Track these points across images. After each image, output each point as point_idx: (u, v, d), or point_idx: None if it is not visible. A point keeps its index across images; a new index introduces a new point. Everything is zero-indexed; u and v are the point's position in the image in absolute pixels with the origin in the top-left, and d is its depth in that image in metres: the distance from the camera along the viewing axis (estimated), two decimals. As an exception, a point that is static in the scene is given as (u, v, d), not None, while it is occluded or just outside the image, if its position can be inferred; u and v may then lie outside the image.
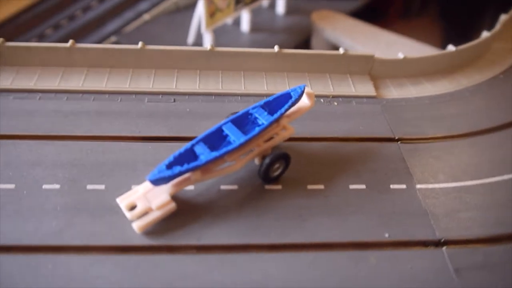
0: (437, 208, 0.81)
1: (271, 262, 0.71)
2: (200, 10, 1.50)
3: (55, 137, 0.90)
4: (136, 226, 0.73)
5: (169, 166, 0.76)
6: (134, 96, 1.01)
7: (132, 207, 0.76)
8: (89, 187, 0.81)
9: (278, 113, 0.83)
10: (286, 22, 1.79)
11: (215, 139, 0.81)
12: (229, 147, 0.78)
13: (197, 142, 0.80)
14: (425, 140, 0.96)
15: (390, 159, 0.91)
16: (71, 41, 1.03)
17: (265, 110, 0.85)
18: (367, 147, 0.93)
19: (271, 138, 0.83)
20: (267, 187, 0.83)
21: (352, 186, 0.85)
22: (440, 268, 0.72)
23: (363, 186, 0.85)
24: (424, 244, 0.76)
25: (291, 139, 0.92)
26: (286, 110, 0.83)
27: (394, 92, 1.09)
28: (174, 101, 1.00)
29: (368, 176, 0.87)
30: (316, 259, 0.72)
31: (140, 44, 1.03)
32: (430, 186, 0.86)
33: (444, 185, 0.86)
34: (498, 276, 0.72)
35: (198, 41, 1.62)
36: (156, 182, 0.75)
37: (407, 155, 0.92)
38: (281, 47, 1.06)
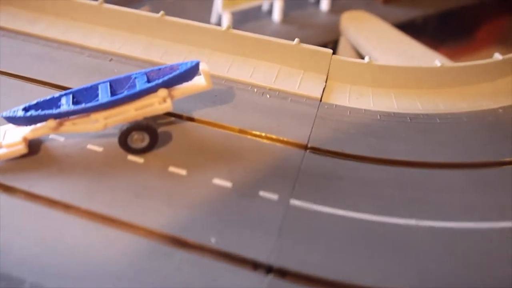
0: (294, 233, 0.68)
1: (75, 226, 0.68)
2: (219, -11, 1.47)
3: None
4: (-20, 156, 0.75)
5: (27, 109, 0.76)
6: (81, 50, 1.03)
7: (-12, 140, 0.78)
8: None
9: (154, 82, 0.77)
10: (324, 19, 1.67)
11: (86, 95, 0.79)
12: (90, 104, 0.76)
13: (66, 94, 0.79)
14: (338, 156, 0.81)
15: (283, 166, 0.79)
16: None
17: (147, 78, 0.80)
18: (267, 147, 0.82)
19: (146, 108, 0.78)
20: (130, 157, 0.79)
21: (216, 181, 0.75)
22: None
23: (228, 184, 0.75)
24: (254, 265, 0.64)
25: (187, 119, 0.86)
26: (166, 81, 0.77)
27: (347, 100, 0.94)
28: (111, 60, 1.00)
29: (242, 176, 0.76)
30: (120, 239, 0.66)
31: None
32: (308, 206, 0.72)
33: (325, 210, 0.72)
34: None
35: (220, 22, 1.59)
36: (11, 120, 0.76)
37: (307, 167, 0.79)
38: (306, 43, 0.98)
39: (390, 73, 0.95)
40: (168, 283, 0.61)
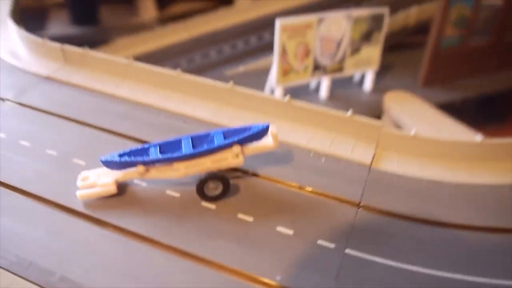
0: (349, 277, 0.76)
1: (158, 256, 0.78)
2: (275, 66, 1.65)
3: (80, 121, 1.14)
4: (78, 193, 0.88)
5: (121, 155, 0.89)
6: (160, 112, 1.19)
7: (86, 179, 0.91)
8: (75, 160, 1.00)
9: (231, 139, 0.90)
10: (366, 98, 1.82)
11: (171, 147, 0.92)
12: (174, 155, 0.88)
13: (154, 145, 0.92)
14: (388, 215, 0.89)
15: (339, 219, 0.88)
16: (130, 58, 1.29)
17: (224, 136, 0.93)
18: (324, 202, 0.92)
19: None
20: (204, 204, 0.90)
21: (279, 228, 0.85)
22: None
23: (290, 232, 0.84)
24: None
25: (253, 175, 0.97)
26: (240, 140, 0.90)
27: (395, 167, 1.03)
28: (185, 122, 1.15)
29: (302, 226, 0.85)
30: (197, 270, 0.76)
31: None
32: (361, 255, 0.80)
33: (377, 260, 0.79)
34: None
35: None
36: (107, 164, 0.89)
37: (359, 222, 0.87)
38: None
39: (435, 145, 1.05)
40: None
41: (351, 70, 1.85)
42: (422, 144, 1.06)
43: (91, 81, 1.30)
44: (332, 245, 0.82)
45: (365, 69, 1.88)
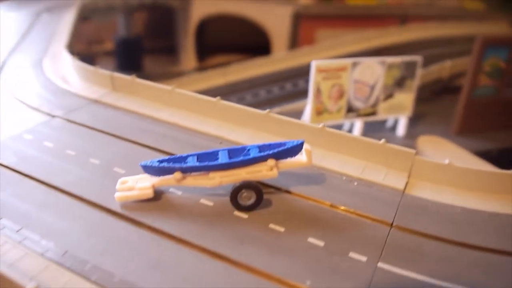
0: (382, 288, 0.74)
1: (189, 255, 0.79)
2: (309, 105, 1.70)
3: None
4: (116, 195, 0.91)
5: (161, 161, 0.93)
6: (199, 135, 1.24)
7: (124, 183, 0.95)
8: (115, 169, 1.04)
9: (266, 152, 0.93)
10: (399, 143, 1.82)
11: (208, 157, 0.96)
12: (210, 163, 0.92)
13: (192, 154, 0.96)
14: (422, 236, 0.88)
15: (371, 235, 0.87)
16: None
17: (259, 150, 0.96)
18: (356, 220, 0.91)
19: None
20: (236, 213, 0.91)
21: (311, 239, 0.85)
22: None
23: (321, 243, 0.84)
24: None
25: (285, 192, 0.99)
26: (275, 153, 0.93)
27: (428, 195, 1.03)
28: (221, 143, 1.19)
29: (333, 238, 0.85)
30: (228, 271, 0.76)
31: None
32: (394, 269, 0.79)
33: (411, 275, 0.78)
34: None
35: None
36: (146, 169, 0.93)
37: (392, 240, 0.86)
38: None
39: (471, 176, 1.04)
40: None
41: (384, 114, 1.88)
42: (456, 174, 1.05)
43: (136, 105, 1.38)
44: (364, 258, 0.81)
45: (398, 115, 1.90)
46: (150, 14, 4.17)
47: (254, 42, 3.84)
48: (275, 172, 0.93)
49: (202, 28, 4.03)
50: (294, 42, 3.75)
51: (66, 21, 2.50)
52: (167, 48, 4.05)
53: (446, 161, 1.06)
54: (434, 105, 2.25)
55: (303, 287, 0.74)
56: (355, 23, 3.68)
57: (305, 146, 0.96)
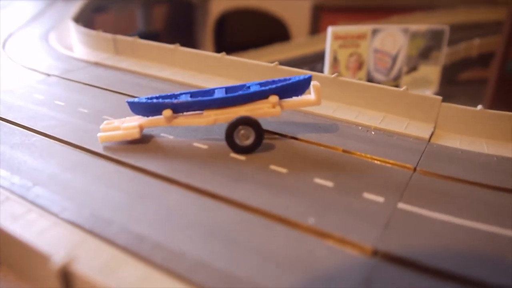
0: (400, 228, 0.61)
1: (173, 193, 0.67)
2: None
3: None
4: (99, 135, 0.81)
5: (150, 98, 0.83)
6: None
7: (110, 124, 0.85)
8: (105, 116, 0.95)
9: (268, 86, 0.81)
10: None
11: (203, 95, 0.85)
12: (205, 98, 0.81)
13: (185, 92, 0.85)
14: (449, 179, 0.74)
15: (390, 178, 0.74)
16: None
17: (260, 86, 0.84)
18: (373, 165, 0.78)
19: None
20: (233, 155, 0.79)
21: (317, 180, 0.72)
22: (352, 272, 0.54)
23: (329, 184, 0.71)
24: (356, 246, 0.58)
25: (291, 138, 0.87)
26: (278, 88, 0.81)
27: (458, 143, 0.89)
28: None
29: (345, 179, 0.72)
30: (216, 208, 0.64)
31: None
32: (416, 210, 0.65)
33: (432, 215, 0.64)
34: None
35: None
36: (133, 107, 0.83)
37: (415, 182, 0.73)
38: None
39: (507, 122, 0.90)
40: (262, 248, 0.56)
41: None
42: (491, 121, 0.91)
43: (138, 66, 1.29)
44: (381, 199, 0.68)
45: (423, 89, 1.76)
46: (169, 9, 4.13)
47: (273, 36, 3.75)
48: (278, 109, 0.81)
49: (221, 24, 3.97)
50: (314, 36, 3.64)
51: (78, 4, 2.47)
52: (186, 45, 4.00)
53: (479, 107, 0.92)
54: (462, 86, 2.09)
55: (305, 224, 0.61)
56: (377, 16, 3.54)
57: (313, 82, 0.84)
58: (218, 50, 3.96)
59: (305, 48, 2.55)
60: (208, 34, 3.89)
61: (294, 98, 0.84)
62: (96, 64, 1.33)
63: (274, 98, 0.81)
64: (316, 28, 3.64)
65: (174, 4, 3.93)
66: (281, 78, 0.85)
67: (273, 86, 0.81)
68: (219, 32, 3.96)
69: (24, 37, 1.78)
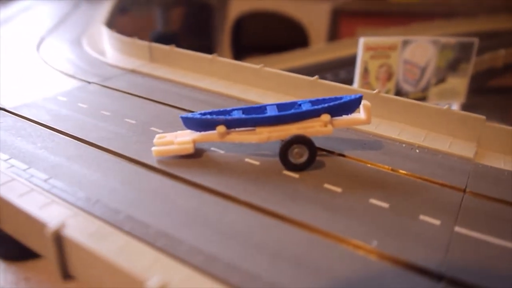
0: (458, 254, 0.62)
1: (234, 211, 0.69)
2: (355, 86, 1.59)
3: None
4: (153, 149, 0.83)
5: (203, 114, 0.85)
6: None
7: (162, 138, 0.86)
8: (152, 128, 0.96)
9: (320, 106, 0.83)
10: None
11: (255, 112, 0.86)
12: (258, 116, 0.82)
13: (237, 108, 0.87)
14: (499, 202, 0.76)
15: (442, 200, 0.75)
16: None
17: (312, 104, 0.85)
18: (423, 184, 0.80)
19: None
20: (285, 172, 0.81)
21: (373, 201, 0.74)
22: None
23: (385, 205, 0.73)
24: (421, 271, 0.59)
25: (340, 155, 0.88)
26: (330, 107, 0.82)
27: (502, 164, 0.90)
28: (265, 110, 1.10)
29: (399, 201, 0.74)
30: (277, 226, 0.66)
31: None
32: (473, 234, 0.67)
33: (491, 240, 0.65)
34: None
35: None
36: (186, 122, 0.85)
37: (467, 205, 0.74)
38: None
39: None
40: (324, 270, 0.58)
41: (435, 100, 1.74)
42: (535, 143, 0.92)
43: (174, 75, 1.31)
44: (437, 222, 0.69)
45: (450, 101, 1.76)
46: (187, 11, 4.15)
47: (291, 40, 3.76)
48: (330, 128, 0.82)
49: (238, 27, 3.98)
50: (334, 40, 3.64)
51: (106, 8, 2.49)
52: (203, 47, 4.02)
53: (523, 128, 0.93)
54: (488, 96, 2.09)
55: (369, 247, 0.62)
56: (398, 21, 3.53)
57: (363, 101, 0.85)
58: (235, 52, 3.98)
59: (326, 54, 2.55)
60: (225, 36, 3.91)
61: (345, 117, 0.85)
62: (133, 71, 1.35)
63: (326, 117, 0.82)
64: (335, 31, 3.64)
65: (192, 6, 3.95)
66: (333, 97, 0.86)
67: (325, 105, 0.82)
68: (236, 34, 3.97)
69: (56, 41, 1.80)
